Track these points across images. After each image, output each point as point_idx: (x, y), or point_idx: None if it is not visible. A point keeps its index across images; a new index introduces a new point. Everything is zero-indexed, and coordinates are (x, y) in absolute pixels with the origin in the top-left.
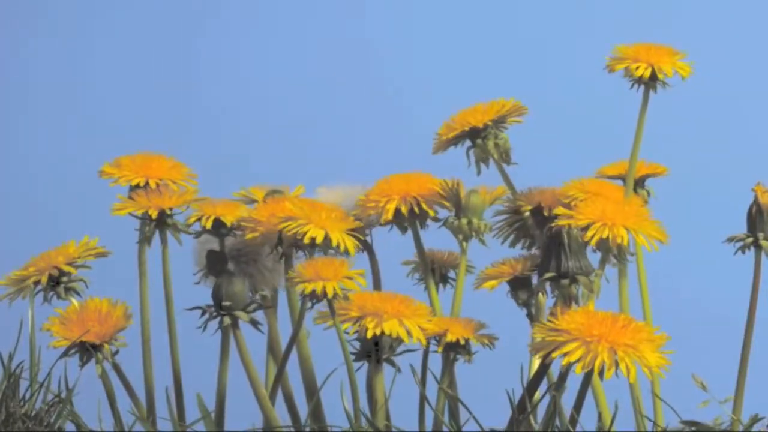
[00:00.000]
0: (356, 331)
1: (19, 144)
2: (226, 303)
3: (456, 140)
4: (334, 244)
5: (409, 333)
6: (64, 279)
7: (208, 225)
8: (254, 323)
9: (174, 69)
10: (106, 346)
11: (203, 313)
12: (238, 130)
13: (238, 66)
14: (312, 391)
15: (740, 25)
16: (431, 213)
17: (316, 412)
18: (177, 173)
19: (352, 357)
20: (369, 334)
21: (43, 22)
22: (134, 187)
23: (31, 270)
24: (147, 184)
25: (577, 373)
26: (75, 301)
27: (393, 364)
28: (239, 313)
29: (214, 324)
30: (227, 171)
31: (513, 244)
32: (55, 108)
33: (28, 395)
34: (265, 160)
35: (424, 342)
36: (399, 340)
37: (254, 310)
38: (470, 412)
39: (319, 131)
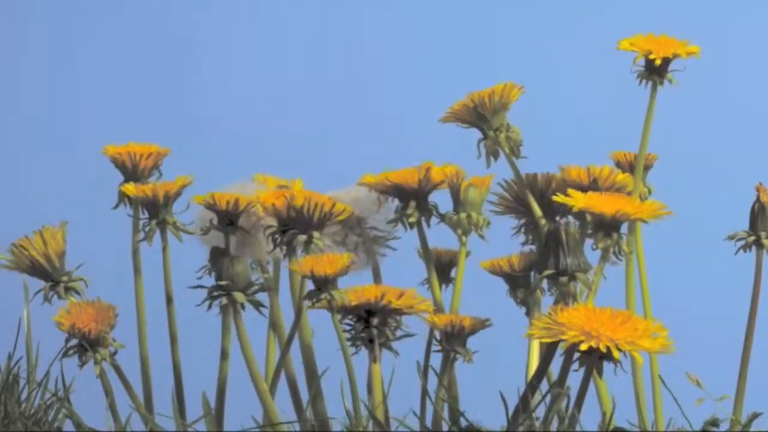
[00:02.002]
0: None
1: (18, 143)
2: (223, 282)
3: (463, 115)
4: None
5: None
6: (64, 278)
7: (222, 204)
8: (254, 304)
9: (173, 68)
10: (106, 338)
11: (209, 295)
12: (237, 130)
13: (237, 67)
14: (312, 380)
15: (742, 23)
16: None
17: (317, 401)
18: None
19: (349, 344)
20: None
21: (44, 20)
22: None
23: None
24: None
25: (583, 348)
26: (74, 301)
27: (390, 348)
28: (237, 294)
29: (216, 311)
30: (226, 171)
31: (501, 214)
32: (54, 106)
33: (25, 395)
34: (264, 160)
35: (431, 309)
36: (397, 327)
37: (254, 292)
38: (466, 418)
39: (318, 131)
